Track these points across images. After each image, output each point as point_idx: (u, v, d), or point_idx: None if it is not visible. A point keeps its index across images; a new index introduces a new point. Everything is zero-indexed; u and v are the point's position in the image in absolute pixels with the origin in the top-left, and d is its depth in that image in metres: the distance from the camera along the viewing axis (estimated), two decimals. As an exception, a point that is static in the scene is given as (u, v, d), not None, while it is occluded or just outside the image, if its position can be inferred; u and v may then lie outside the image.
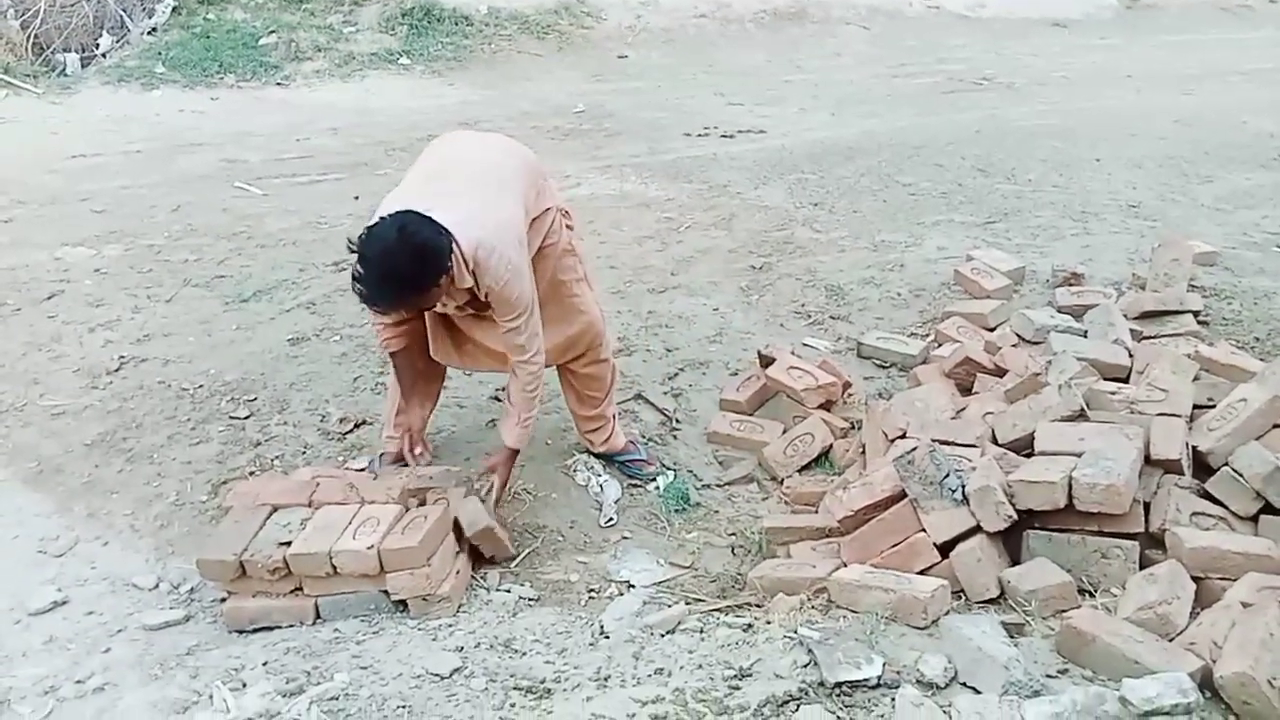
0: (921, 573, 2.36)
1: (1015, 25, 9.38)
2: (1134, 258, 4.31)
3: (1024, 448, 2.68)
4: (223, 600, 2.64)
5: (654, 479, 3.24)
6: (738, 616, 2.29)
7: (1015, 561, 2.39)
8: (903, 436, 2.88)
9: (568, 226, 2.98)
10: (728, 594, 2.68)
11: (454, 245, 2.49)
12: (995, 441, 2.73)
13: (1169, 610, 2.01)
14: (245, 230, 5.13)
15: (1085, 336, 3.55)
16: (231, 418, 3.53)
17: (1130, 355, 3.22)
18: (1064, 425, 2.62)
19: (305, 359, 3.91)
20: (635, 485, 3.24)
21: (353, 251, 2.47)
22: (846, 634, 2.03)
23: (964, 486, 2.40)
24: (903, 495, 2.52)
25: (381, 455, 3.14)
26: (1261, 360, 3.24)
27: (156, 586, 2.75)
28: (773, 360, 3.61)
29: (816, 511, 3.05)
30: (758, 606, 2.45)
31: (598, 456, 3.29)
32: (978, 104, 7.17)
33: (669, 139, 6.64)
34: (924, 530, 2.43)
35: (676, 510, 3.11)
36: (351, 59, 7.98)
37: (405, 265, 2.42)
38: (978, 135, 6.27)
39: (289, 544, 2.54)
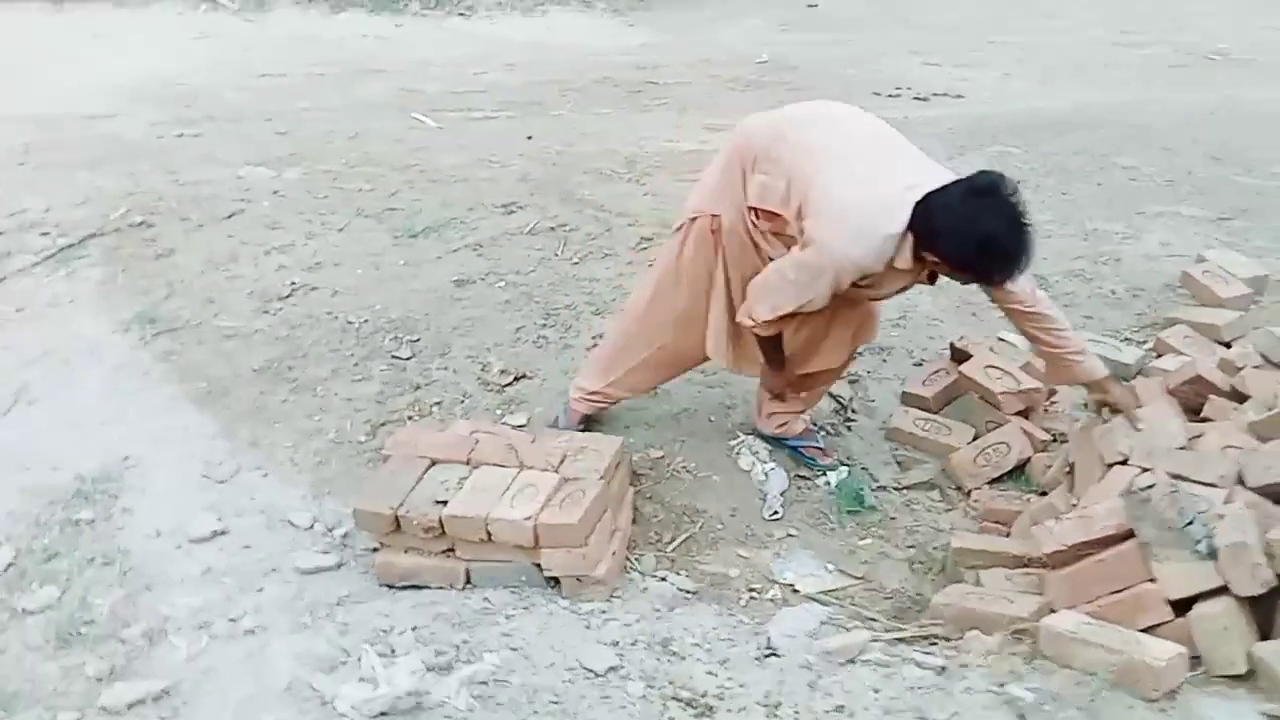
0: (1148, 630, 2.04)
1: (1257, -7, 8.37)
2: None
3: (1275, 496, 2.29)
4: (375, 550, 2.57)
5: (826, 473, 2.99)
6: (926, 653, 2.03)
7: (1265, 634, 2.03)
8: (1124, 463, 2.52)
9: None
10: (905, 616, 2.42)
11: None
12: (1243, 484, 2.34)
13: None
14: (418, 163, 5.08)
15: (1347, 365, 3.04)
16: (394, 357, 3.48)
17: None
18: (1334, 476, 2.22)
19: (469, 303, 3.82)
20: (803, 477, 2.99)
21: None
22: (1066, 700, 1.74)
23: (1211, 538, 2.05)
24: (1127, 535, 2.18)
25: (567, 411, 3.03)
26: None
27: (312, 526, 2.71)
28: (967, 355, 3.27)
29: (1010, 533, 2.74)
30: (945, 640, 2.18)
31: (766, 439, 3.06)
32: (1211, 81, 6.38)
33: (856, 97, 6.17)
34: (1153, 581, 2.09)
35: (849, 511, 2.85)
36: (534, -8, 7.86)
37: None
38: (1212, 117, 5.56)
39: (445, 503, 2.43)
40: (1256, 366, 3.06)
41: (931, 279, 2.55)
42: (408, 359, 3.47)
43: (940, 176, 2.42)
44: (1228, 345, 3.40)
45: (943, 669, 1.92)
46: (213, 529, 2.64)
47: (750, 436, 3.08)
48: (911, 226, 2.36)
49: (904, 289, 2.64)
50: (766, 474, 2.94)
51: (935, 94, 6.24)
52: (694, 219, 2.73)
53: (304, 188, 4.72)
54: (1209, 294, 3.67)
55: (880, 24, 7.82)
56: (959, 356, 3.31)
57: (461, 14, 7.56)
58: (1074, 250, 4.18)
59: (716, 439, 3.10)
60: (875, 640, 2.08)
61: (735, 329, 2.76)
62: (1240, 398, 2.96)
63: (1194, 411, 3.03)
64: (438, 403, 3.26)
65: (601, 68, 6.63)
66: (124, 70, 6.40)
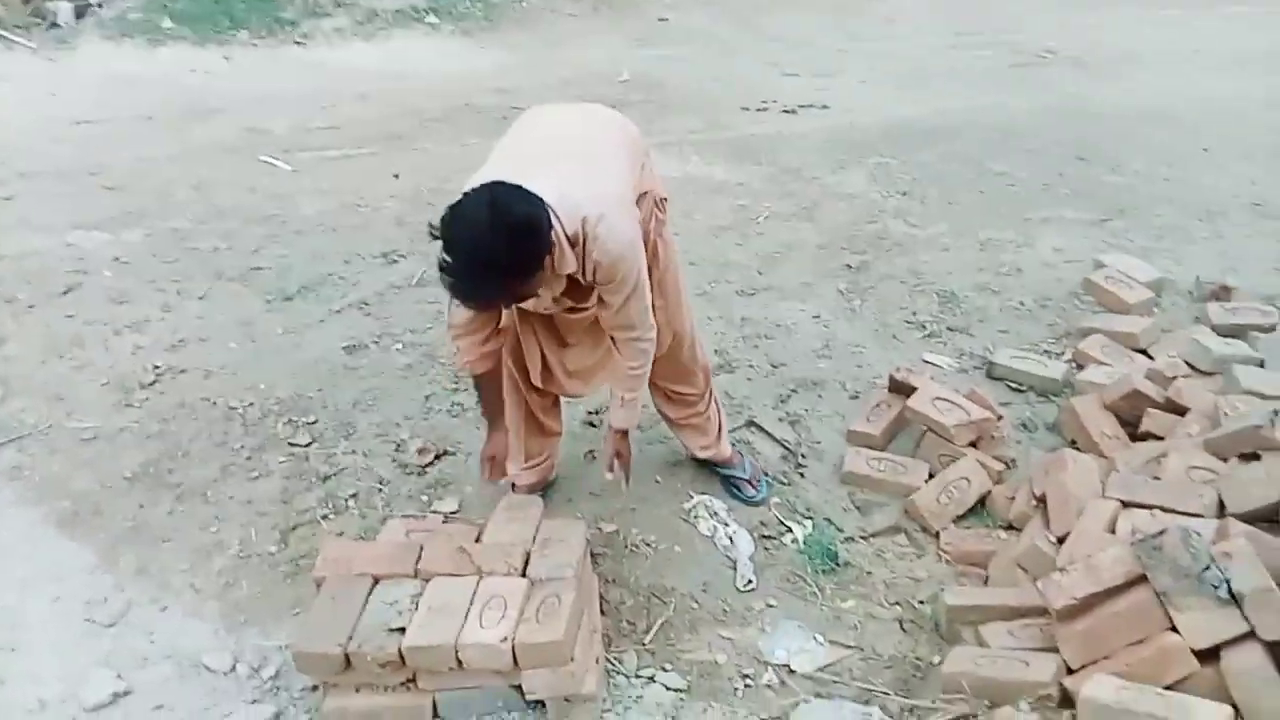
0: (1174, 685, 1.97)
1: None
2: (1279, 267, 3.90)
3: (1260, 519, 2.28)
4: (315, 689, 2.21)
5: (760, 502, 2.88)
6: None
7: (1284, 672, 2.00)
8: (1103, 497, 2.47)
9: (659, 218, 2.49)
10: (912, 687, 2.28)
11: (554, 220, 2.02)
12: (1223, 511, 2.33)
13: None
14: (277, 213, 4.62)
15: (1262, 366, 3.15)
16: (291, 445, 3.08)
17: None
18: (1315, 496, 2.23)
19: (366, 371, 3.45)
20: (768, 537, 2.82)
21: (435, 238, 1.98)
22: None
23: (1229, 581, 2.00)
24: (1137, 580, 2.11)
25: (514, 487, 2.76)
26: None
27: (233, 669, 2.31)
28: (906, 386, 3.19)
29: (988, 575, 2.66)
30: (973, 717, 2.04)
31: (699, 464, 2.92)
32: (1051, 82, 6.67)
33: (726, 112, 6.13)
34: (1174, 629, 2.03)
35: (823, 570, 2.70)
36: (374, 16, 7.36)
37: (502, 247, 1.92)
38: (1065, 118, 5.80)
39: (402, 631, 2.11)
40: (1186, 376, 3.13)
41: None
42: (308, 446, 3.08)
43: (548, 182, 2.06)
44: (1143, 352, 3.49)
45: (998, 765, 1.78)
46: (112, 690, 2.21)
47: (704, 496, 2.89)
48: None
49: (556, 299, 2.32)
50: (731, 538, 2.75)
51: (801, 105, 6.24)
52: None
53: (149, 251, 4.19)
54: (1115, 300, 3.76)
55: (732, 37, 7.80)
56: (898, 388, 3.22)
57: (298, 42, 6.99)
58: (975, 262, 4.22)
59: (669, 502, 2.89)
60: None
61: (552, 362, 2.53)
62: (1175, 409, 3.01)
63: (1128, 424, 3.07)
64: (353, 495, 2.90)
65: (459, 94, 6.27)
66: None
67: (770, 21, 8.15)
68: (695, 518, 2.84)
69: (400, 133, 5.66)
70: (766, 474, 3.00)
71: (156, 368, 3.42)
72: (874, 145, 5.51)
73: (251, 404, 3.24)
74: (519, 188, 1.99)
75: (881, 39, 7.81)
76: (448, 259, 1.94)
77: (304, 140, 5.48)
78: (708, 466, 2.96)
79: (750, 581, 2.65)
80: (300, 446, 3.07)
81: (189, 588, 2.56)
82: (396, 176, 5.07)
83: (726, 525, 2.81)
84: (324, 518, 2.80)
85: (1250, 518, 2.27)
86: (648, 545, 2.74)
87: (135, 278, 3.98)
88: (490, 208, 1.94)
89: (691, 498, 2.90)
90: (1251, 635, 1.96)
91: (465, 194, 2.02)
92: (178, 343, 3.57)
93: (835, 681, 2.32)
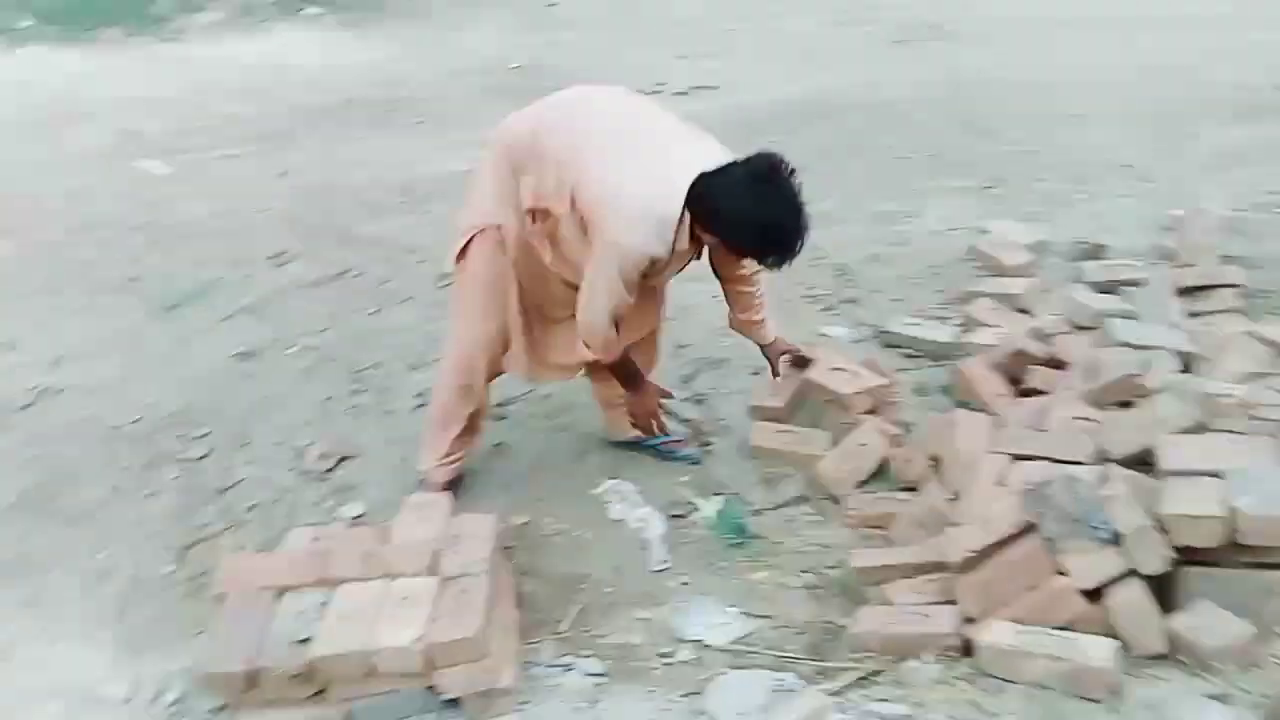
0: (1066, 626, 2.07)
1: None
2: (1149, 225, 4.10)
3: (1137, 464, 2.41)
4: (222, 709, 2.15)
5: (698, 460, 2.98)
6: (881, 699, 1.94)
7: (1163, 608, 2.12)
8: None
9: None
10: (824, 649, 2.33)
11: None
12: (1107, 458, 2.45)
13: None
14: (156, 219, 4.45)
15: (1137, 320, 3.31)
16: (183, 460, 2.98)
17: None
18: (1185, 438, 2.36)
19: (260, 378, 3.36)
20: (678, 515, 2.84)
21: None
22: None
23: (1110, 524, 2.10)
24: (1027, 529, 2.21)
25: (422, 483, 2.75)
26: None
27: (131, 700, 2.22)
28: (805, 359, 3.25)
29: (890, 536, 2.74)
30: (879, 674, 2.11)
31: (623, 445, 2.98)
32: (933, 56, 6.85)
33: (619, 97, 6.13)
34: (1062, 574, 2.13)
35: (734, 545, 2.74)
36: (252, 9, 7.12)
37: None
38: (948, 91, 5.98)
39: (309, 641, 2.06)
40: (1066, 333, 3.27)
41: (699, 254, 2.58)
42: (201, 459, 2.99)
43: (712, 153, 2.40)
44: (1027, 311, 3.63)
45: (908, 718, 1.83)
46: (0, 731, 2.10)
47: (614, 481, 2.90)
48: (688, 206, 2.33)
49: (682, 268, 2.63)
50: (643, 520, 2.77)
51: (694, 87, 6.29)
52: (473, 237, 2.56)
53: (19, 265, 3.98)
54: (998, 264, 3.90)
55: (620, 20, 7.81)
56: (798, 362, 3.28)
57: (170, 39, 6.71)
58: (867, 235, 4.32)
59: (579, 489, 2.89)
60: (833, 696, 1.96)
61: (531, 339, 2.69)
62: (1057, 364, 3.14)
63: (1015, 381, 3.20)
64: (252, 506, 2.82)
65: (344, 87, 6.13)
66: None
67: (657, 4, 8.18)
68: (606, 503, 2.85)
69: (283, 129, 5.51)
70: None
71: (34, 388, 3.27)
72: (763, 125, 5.58)
73: (139, 420, 3.12)
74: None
75: (765, 18, 7.91)
76: (781, 227, 2.27)
77: (181, 142, 5.28)
78: (638, 446, 2.99)
79: (664, 562, 2.67)
80: (193, 461, 2.98)
81: (81, 617, 2.45)
82: (284, 175, 4.94)
83: (639, 508, 2.82)
84: (223, 532, 2.71)
85: (1128, 462, 2.40)
86: (560, 534, 2.74)
87: (6, 294, 3.78)
88: (773, 174, 2.28)
89: (602, 483, 2.91)
90: (1133, 573, 2.08)
91: (743, 170, 2.31)
92: (56, 360, 3.41)
93: (750, 652, 2.36)
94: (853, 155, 5.16)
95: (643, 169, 2.34)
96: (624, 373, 2.74)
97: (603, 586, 2.59)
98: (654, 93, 6.22)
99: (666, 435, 2.98)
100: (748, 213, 2.28)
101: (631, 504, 2.83)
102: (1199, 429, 2.41)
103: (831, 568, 2.64)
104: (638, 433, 2.94)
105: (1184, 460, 2.26)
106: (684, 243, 2.40)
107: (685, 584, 2.62)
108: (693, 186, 2.31)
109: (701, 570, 2.67)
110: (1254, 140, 4.86)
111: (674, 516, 2.84)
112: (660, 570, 2.65)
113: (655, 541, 2.72)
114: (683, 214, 2.33)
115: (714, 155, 2.39)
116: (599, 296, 2.45)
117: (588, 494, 2.87)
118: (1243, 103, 5.40)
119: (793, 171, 2.30)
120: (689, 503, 2.88)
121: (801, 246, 2.34)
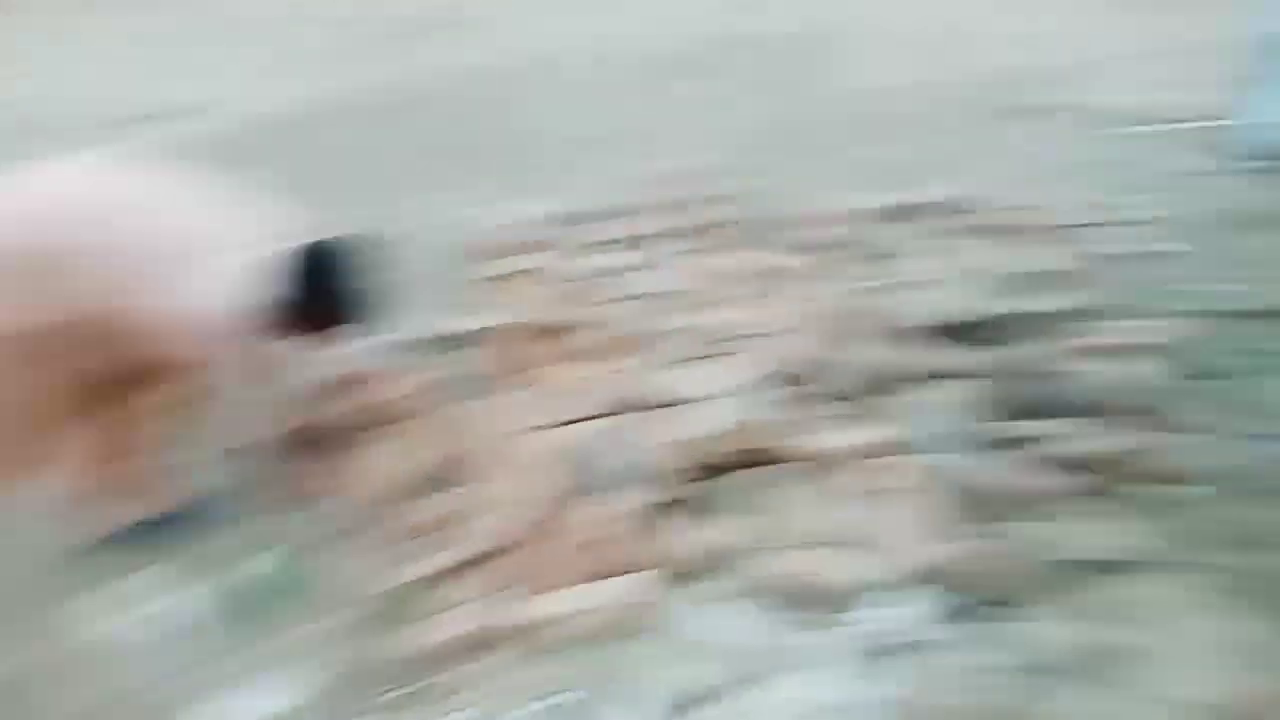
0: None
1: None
2: (650, 182, 4.37)
3: (656, 405, 2.49)
4: None
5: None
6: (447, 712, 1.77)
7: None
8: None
9: None
10: (402, 679, 2.12)
11: None
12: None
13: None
14: None
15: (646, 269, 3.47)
16: None
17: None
18: (690, 370, 2.50)
19: None
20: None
21: None
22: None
23: (636, 464, 2.13)
24: (567, 495, 2.18)
25: None
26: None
27: None
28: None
29: (440, 534, 2.58)
30: (453, 694, 1.94)
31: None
32: (434, 48, 6.79)
33: (100, 129, 5.30)
34: (611, 524, 2.12)
35: (288, 599, 2.40)
36: None
37: None
38: (451, 83, 5.94)
39: None
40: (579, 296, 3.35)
41: None
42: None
43: None
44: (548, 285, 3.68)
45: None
46: None
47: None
48: None
49: None
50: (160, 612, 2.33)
51: (178, 113, 5.64)
52: None
53: None
54: (515, 245, 3.91)
55: (85, 40, 6.81)
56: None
57: None
58: (381, 237, 4.11)
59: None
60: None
61: None
62: (580, 328, 3.20)
63: (551, 350, 3.20)
64: None
65: None
66: None
67: (126, 22, 7.26)
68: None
69: None
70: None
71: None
72: (258, 145, 5.15)
73: None
74: None
75: (247, 27, 7.36)
76: None
77: None
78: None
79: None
80: None
81: None
82: None
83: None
84: None
85: (645, 406, 2.47)
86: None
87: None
88: None
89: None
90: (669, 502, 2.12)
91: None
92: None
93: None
94: (359, 161, 4.93)
95: None
96: None
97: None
98: (135, 123, 5.48)
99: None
100: None
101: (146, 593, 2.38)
102: (702, 359, 2.55)
103: (384, 592, 2.41)
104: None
105: (690, 390, 2.37)
106: None
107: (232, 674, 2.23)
108: None
109: (244, 644, 2.30)
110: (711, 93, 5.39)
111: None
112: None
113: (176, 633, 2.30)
114: None
115: None
116: None
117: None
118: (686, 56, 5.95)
119: None
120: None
121: None
